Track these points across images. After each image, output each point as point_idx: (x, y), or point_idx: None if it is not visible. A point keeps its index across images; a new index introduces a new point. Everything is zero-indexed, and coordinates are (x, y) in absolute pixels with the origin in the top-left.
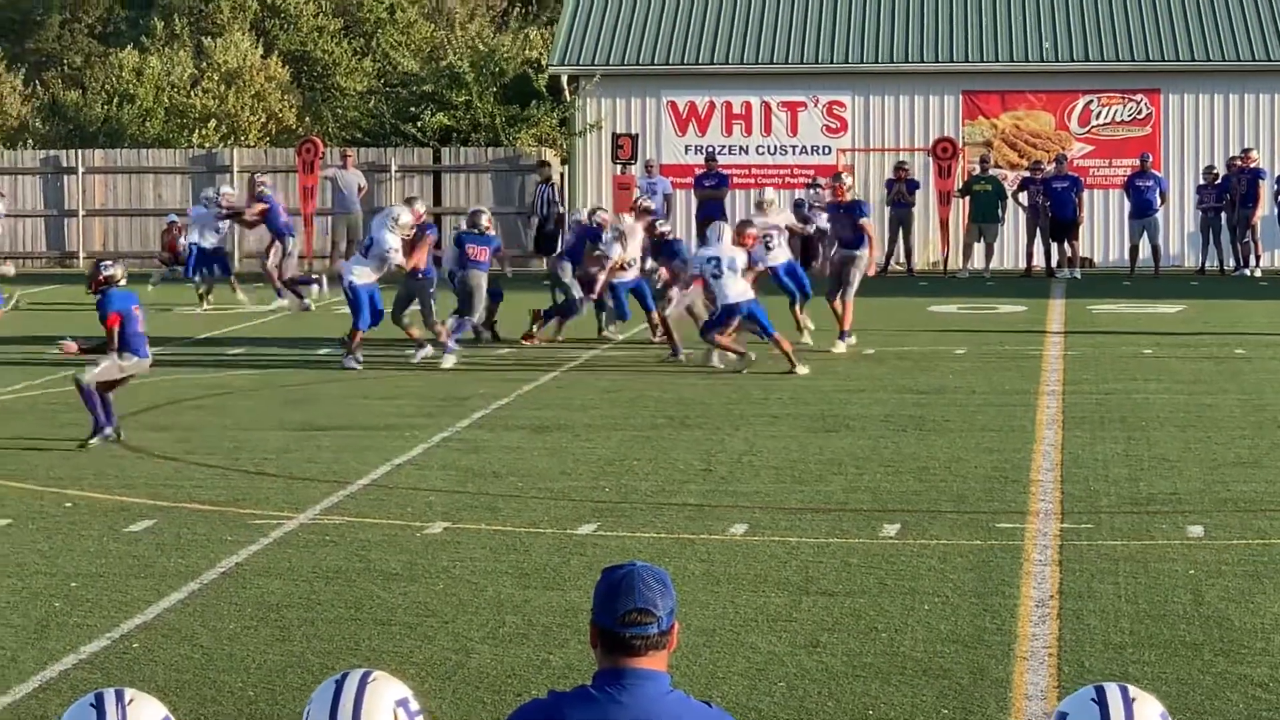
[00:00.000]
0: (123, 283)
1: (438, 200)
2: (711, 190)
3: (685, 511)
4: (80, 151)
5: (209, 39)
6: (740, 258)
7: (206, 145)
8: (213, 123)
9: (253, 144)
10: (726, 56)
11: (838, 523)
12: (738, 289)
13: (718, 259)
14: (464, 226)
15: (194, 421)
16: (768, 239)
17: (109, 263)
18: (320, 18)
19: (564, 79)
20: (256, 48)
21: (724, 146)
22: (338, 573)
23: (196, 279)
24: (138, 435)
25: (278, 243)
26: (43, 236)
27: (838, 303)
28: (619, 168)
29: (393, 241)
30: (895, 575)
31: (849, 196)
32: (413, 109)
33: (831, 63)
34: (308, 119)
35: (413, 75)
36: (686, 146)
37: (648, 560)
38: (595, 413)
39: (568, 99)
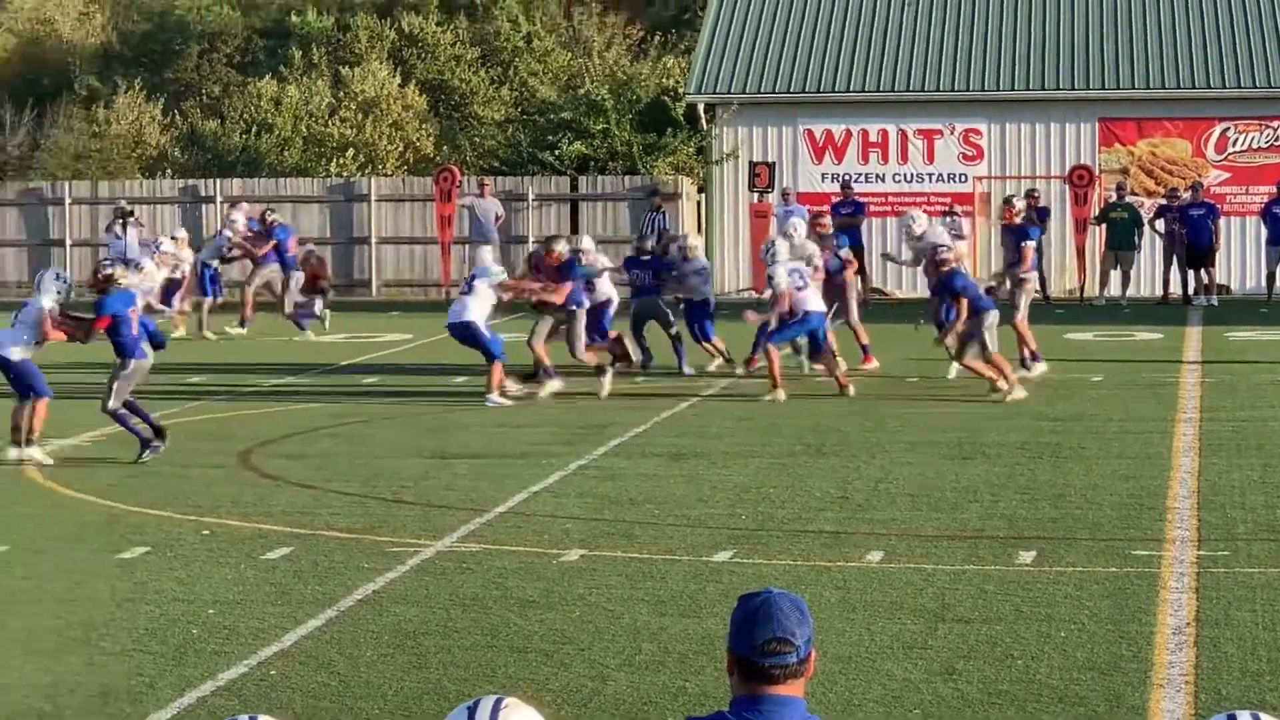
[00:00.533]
0: (123, 282)
1: (574, 229)
2: (848, 218)
3: (821, 539)
4: (219, 180)
5: (347, 68)
6: (804, 267)
7: (344, 174)
8: (350, 151)
9: (390, 173)
10: (863, 84)
11: (974, 550)
12: (816, 300)
13: (800, 271)
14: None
15: (330, 449)
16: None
17: (109, 261)
18: (458, 46)
19: (701, 107)
20: (394, 77)
21: (860, 174)
22: (474, 600)
23: (213, 299)
24: (274, 463)
25: (287, 275)
26: None
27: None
28: (756, 196)
29: (495, 270)
30: (1031, 602)
31: (1018, 220)
32: (550, 137)
33: (968, 90)
34: (445, 147)
35: (550, 103)
36: (823, 174)
37: (784, 587)
38: (731, 440)
39: (704, 127)
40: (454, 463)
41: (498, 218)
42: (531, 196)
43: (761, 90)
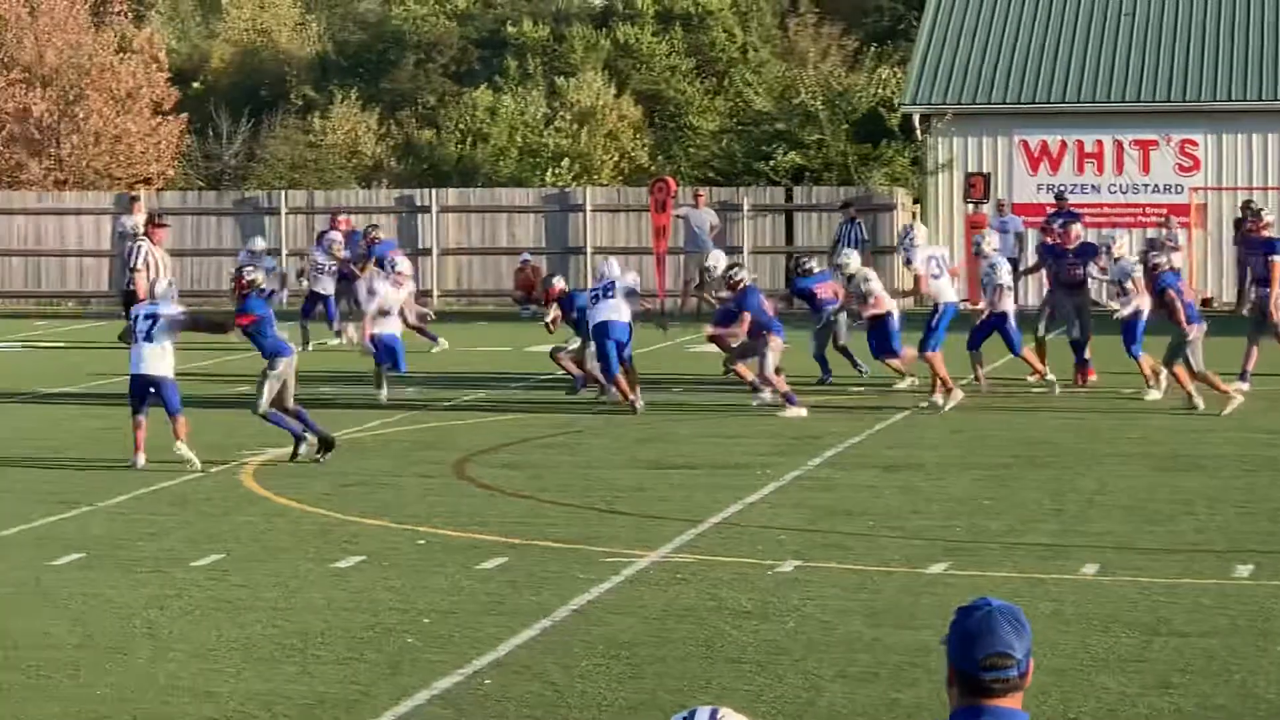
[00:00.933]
0: (263, 287)
1: (789, 239)
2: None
3: (1036, 551)
4: (434, 190)
5: (562, 78)
6: (943, 255)
7: (559, 184)
8: (566, 161)
9: (605, 183)
10: (1079, 94)
11: (1189, 563)
12: (950, 290)
13: (938, 258)
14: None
15: (545, 459)
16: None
17: (250, 268)
18: (673, 57)
19: (916, 118)
20: (609, 87)
21: (1075, 185)
22: (689, 611)
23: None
24: (489, 473)
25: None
26: None
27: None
28: (971, 207)
29: (630, 277)
30: (1248, 616)
31: (1267, 233)
32: (765, 148)
33: (1184, 100)
34: (660, 158)
35: (765, 114)
36: (1038, 185)
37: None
38: (945, 451)
39: (920, 138)
40: (669, 473)
41: (713, 228)
42: (747, 207)
43: (977, 101)
